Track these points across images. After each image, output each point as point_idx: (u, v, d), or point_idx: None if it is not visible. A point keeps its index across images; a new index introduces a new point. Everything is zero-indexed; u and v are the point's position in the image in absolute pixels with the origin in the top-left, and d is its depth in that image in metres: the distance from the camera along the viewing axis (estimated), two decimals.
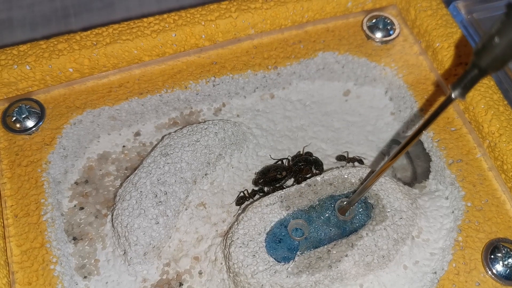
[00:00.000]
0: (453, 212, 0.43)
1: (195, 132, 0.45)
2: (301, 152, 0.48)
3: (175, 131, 0.46)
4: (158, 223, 0.41)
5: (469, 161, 0.45)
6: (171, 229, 0.43)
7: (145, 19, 0.49)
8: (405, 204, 0.42)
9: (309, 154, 0.48)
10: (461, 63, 0.48)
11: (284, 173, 0.45)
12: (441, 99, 0.48)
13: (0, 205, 0.41)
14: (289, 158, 0.48)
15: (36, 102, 0.46)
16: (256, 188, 0.46)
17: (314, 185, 0.43)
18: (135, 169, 0.45)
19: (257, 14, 0.50)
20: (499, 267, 0.40)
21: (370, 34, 0.52)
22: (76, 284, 0.41)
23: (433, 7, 0.51)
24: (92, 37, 0.47)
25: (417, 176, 0.47)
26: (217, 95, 0.50)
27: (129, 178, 0.43)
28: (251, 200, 0.45)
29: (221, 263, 0.42)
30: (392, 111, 0.51)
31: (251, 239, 0.40)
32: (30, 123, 0.45)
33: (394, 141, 0.49)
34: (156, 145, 0.46)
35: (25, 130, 0.45)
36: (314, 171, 0.46)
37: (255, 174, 0.47)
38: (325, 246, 0.40)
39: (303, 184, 0.43)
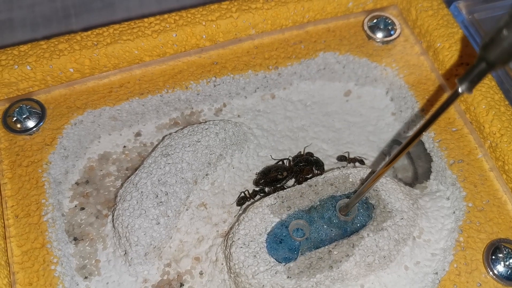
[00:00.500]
0: (454, 212, 0.43)
1: (196, 132, 0.45)
2: (302, 153, 0.48)
3: (176, 132, 0.46)
4: (159, 223, 0.41)
5: (470, 161, 0.45)
6: (172, 230, 0.43)
7: (146, 19, 0.49)
8: (406, 205, 0.42)
9: (310, 154, 0.48)
10: (462, 63, 0.48)
11: (285, 174, 0.45)
12: (443, 99, 0.48)
13: (1, 206, 0.41)
14: (290, 158, 0.47)
15: (37, 102, 0.46)
16: (257, 189, 0.46)
17: (315, 185, 0.43)
18: (135, 170, 0.45)
19: (258, 14, 0.50)
20: (500, 268, 0.40)
21: (371, 34, 0.52)
22: (77, 285, 0.41)
23: (434, 7, 0.51)
24: (92, 37, 0.47)
25: (418, 177, 0.47)
26: (218, 95, 0.50)
27: (130, 178, 0.43)
28: (252, 200, 0.45)
29: (222, 264, 0.41)
30: (393, 112, 0.51)
31: (252, 239, 0.40)
32: (30, 123, 0.45)
33: (395, 142, 0.49)
34: (157, 145, 0.46)
35: (26, 130, 0.45)
36: (315, 171, 0.46)
37: (256, 174, 0.47)
38: (326, 247, 0.40)
39: (304, 185, 0.43)
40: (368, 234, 0.40)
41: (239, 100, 0.51)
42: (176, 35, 0.48)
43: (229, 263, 0.40)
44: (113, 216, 0.42)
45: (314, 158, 0.47)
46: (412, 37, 0.52)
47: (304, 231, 0.40)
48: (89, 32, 0.48)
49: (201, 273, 0.42)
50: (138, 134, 0.49)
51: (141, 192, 0.42)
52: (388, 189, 0.42)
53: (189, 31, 0.49)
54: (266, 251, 0.39)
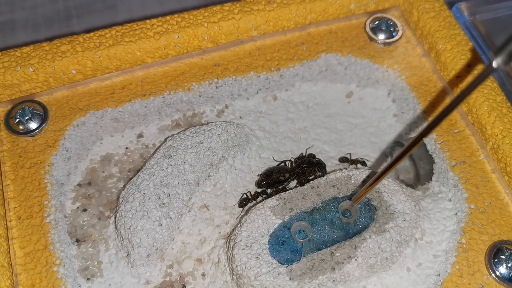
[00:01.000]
0: (456, 214, 0.43)
1: (198, 134, 0.45)
2: (304, 154, 0.48)
3: (178, 133, 0.46)
4: (161, 225, 0.41)
5: (472, 163, 0.45)
6: (174, 231, 0.43)
7: (148, 21, 0.49)
8: (408, 206, 0.42)
9: (312, 156, 0.48)
10: (464, 65, 0.48)
11: (287, 175, 0.45)
12: (445, 100, 0.48)
13: (4, 207, 0.41)
14: (292, 160, 0.48)
15: (39, 104, 0.46)
16: (259, 190, 0.46)
17: (317, 187, 0.43)
18: (138, 171, 0.45)
19: (260, 16, 0.50)
20: (502, 270, 0.40)
21: (373, 36, 0.52)
22: (79, 286, 0.41)
23: (436, 9, 0.51)
24: (95, 39, 0.47)
25: (420, 178, 0.47)
26: (220, 97, 0.50)
27: (132, 180, 0.43)
28: (254, 202, 0.45)
29: (224, 265, 0.42)
30: (395, 113, 0.51)
31: (254, 241, 0.40)
32: (33, 125, 0.45)
33: (397, 143, 0.49)
34: (159, 147, 0.46)
35: (28, 132, 0.45)
36: (317, 173, 0.46)
37: (258, 176, 0.47)
38: (328, 248, 0.40)
39: (306, 186, 0.43)
40: (370, 236, 0.40)
41: (241, 101, 0.51)
42: (178, 37, 0.48)
43: (232, 265, 0.40)
44: (115, 217, 0.43)
45: (316, 159, 0.47)
46: (414, 39, 0.52)
47: (306, 233, 0.41)
48: (92, 34, 0.48)
49: (203, 275, 0.42)
50: (140, 136, 0.49)
51: (144, 193, 0.42)
52: (390, 191, 0.42)
53: (191, 33, 0.49)
54: (268, 253, 0.39)
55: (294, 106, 0.51)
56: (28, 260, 0.40)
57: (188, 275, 0.42)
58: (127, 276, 0.42)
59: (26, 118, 0.45)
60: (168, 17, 0.49)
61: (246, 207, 0.45)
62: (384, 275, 0.40)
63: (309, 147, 0.49)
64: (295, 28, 0.52)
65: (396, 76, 0.51)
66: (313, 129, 0.50)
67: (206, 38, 0.49)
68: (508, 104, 0.45)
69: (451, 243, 0.42)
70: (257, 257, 0.39)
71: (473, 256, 0.41)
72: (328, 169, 0.47)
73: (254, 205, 0.43)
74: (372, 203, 0.42)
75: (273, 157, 0.48)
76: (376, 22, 0.52)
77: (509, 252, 0.40)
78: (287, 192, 0.43)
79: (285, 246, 0.40)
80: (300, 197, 0.42)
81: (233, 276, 0.40)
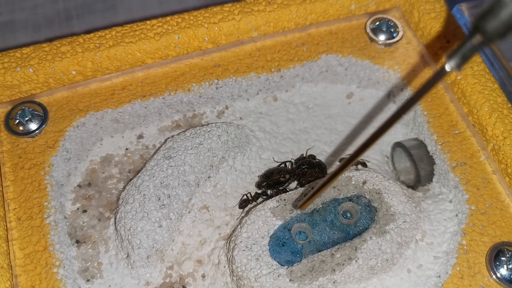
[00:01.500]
0: (457, 215, 0.43)
1: (198, 135, 0.45)
2: (304, 155, 0.48)
3: (178, 134, 0.46)
4: (161, 226, 0.41)
5: (473, 164, 0.45)
6: (174, 232, 0.43)
7: (148, 22, 0.49)
8: (409, 208, 0.42)
9: (312, 157, 0.47)
10: (465, 66, 0.48)
11: (287, 176, 0.45)
12: (446, 101, 0.48)
13: (3, 208, 0.41)
14: (292, 161, 0.47)
15: (39, 104, 0.46)
16: (260, 191, 0.46)
17: None
18: (138, 172, 0.45)
19: (260, 16, 0.50)
20: (503, 271, 0.40)
21: (373, 37, 0.52)
22: (79, 287, 0.41)
23: (436, 10, 0.51)
24: (95, 40, 0.47)
25: (421, 179, 0.47)
26: (220, 98, 0.50)
27: (132, 181, 0.43)
28: (254, 203, 0.45)
29: (224, 267, 0.41)
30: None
31: (254, 242, 0.40)
32: (33, 126, 0.45)
33: (397, 144, 0.49)
34: (159, 148, 0.46)
35: (28, 133, 0.45)
36: (318, 174, 0.46)
37: (258, 177, 0.47)
38: (329, 250, 0.40)
39: (306, 187, 0.43)
40: (370, 237, 0.40)
41: (242, 102, 0.51)
42: (178, 38, 0.48)
43: (232, 266, 0.40)
44: (115, 218, 0.42)
45: (317, 160, 0.47)
46: (415, 40, 0.52)
47: (306, 234, 0.40)
48: (92, 35, 0.48)
49: (203, 276, 0.42)
50: (140, 137, 0.49)
51: (144, 194, 0.42)
52: (391, 192, 0.42)
53: (192, 34, 0.49)
54: (268, 254, 0.39)
55: (295, 107, 0.51)
56: (28, 262, 0.39)
57: (188, 276, 0.42)
58: (127, 277, 0.42)
59: (26, 119, 0.45)
60: (168, 18, 0.49)
61: (246, 208, 0.45)
62: (385, 276, 0.40)
63: (309, 148, 0.49)
64: (295, 29, 0.52)
65: (397, 77, 0.50)
66: (313, 130, 0.50)
67: (207, 39, 0.49)
68: (509, 105, 0.45)
69: (452, 245, 0.42)
70: (258, 259, 0.39)
71: (474, 258, 0.41)
72: (328, 170, 0.47)
73: (254, 206, 0.43)
74: (372, 204, 0.42)
75: (273, 158, 0.48)
76: (377, 23, 0.52)
77: (510, 253, 0.40)
78: (287, 193, 0.43)
79: (286, 248, 0.40)
80: (301, 198, 0.42)
81: (233, 278, 0.40)
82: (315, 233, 0.41)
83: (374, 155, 0.49)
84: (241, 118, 0.50)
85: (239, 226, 0.41)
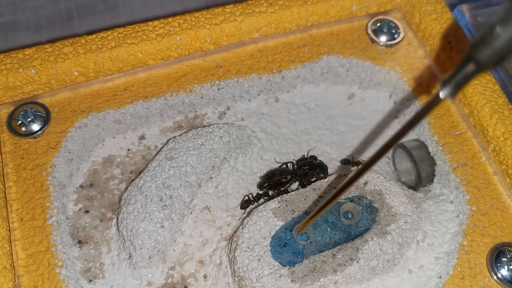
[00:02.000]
0: (458, 216, 0.43)
1: (200, 135, 0.45)
2: (306, 156, 0.48)
3: (180, 135, 0.46)
4: (163, 226, 0.41)
5: (474, 165, 0.45)
6: (176, 233, 0.43)
7: (150, 23, 0.49)
8: (410, 208, 0.42)
9: (313, 157, 0.48)
10: None
11: (289, 177, 0.45)
12: (447, 102, 0.48)
13: (6, 209, 0.41)
14: (294, 162, 0.48)
15: (42, 105, 0.46)
16: (261, 192, 0.46)
17: (319, 189, 0.43)
18: (140, 173, 0.45)
19: (261, 18, 0.50)
20: (504, 272, 0.40)
21: (374, 38, 0.52)
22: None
23: (437, 11, 0.51)
24: (97, 41, 0.48)
25: (422, 180, 0.47)
26: (221, 99, 0.50)
27: (134, 181, 0.44)
28: (256, 203, 0.45)
29: (226, 267, 0.42)
30: (396, 115, 0.51)
31: (256, 243, 0.40)
32: (35, 127, 0.45)
33: (398, 145, 0.49)
34: (161, 148, 0.46)
35: (31, 133, 0.45)
36: (319, 175, 0.46)
37: (260, 177, 0.47)
38: (330, 250, 0.40)
39: (307, 188, 0.43)
40: (372, 238, 0.40)
41: (243, 103, 0.51)
42: (180, 39, 0.48)
43: (233, 267, 0.40)
44: (117, 219, 0.43)
45: (318, 161, 0.47)
46: (416, 41, 0.52)
47: (308, 235, 0.41)
48: (94, 36, 0.48)
49: (205, 276, 0.42)
50: (142, 137, 0.49)
51: (146, 195, 0.42)
52: (392, 193, 0.42)
53: (193, 35, 0.49)
54: (270, 255, 0.39)
55: (296, 108, 0.52)
56: (31, 262, 0.40)
57: (190, 277, 0.42)
58: (129, 278, 0.42)
59: (29, 120, 0.45)
60: (170, 19, 0.49)
61: (248, 209, 0.45)
62: (386, 277, 0.40)
63: (310, 149, 0.49)
64: (296, 30, 0.52)
65: (398, 78, 0.51)
66: (314, 131, 0.50)
67: (208, 40, 0.49)
68: (510, 106, 0.45)
69: (453, 245, 0.42)
70: (259, 259, 0.39)
71: (475, 258, 0.41)
72: (329, 171, 0.47)
73: (256, 207, 0.44)
74: (373, 205, 0.42)
75: (274, 159, 0.48)
76: (378, 24, 0.52)
77: (510, 254, 0.40)
78: (288, 194, 0.43)
79: (287, 248, 0.40)
80: (302, 199, 0.42)
81: (235, 278, 0.40)
82: (316, 234, 0.41)
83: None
84: (242, 119, 0.50)
85: (240, 227, 0.41)
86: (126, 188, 0.45)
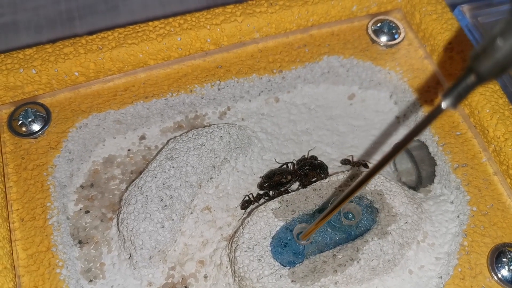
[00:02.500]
0: (458, 216, 0.43)
1: (200, 136, 0.45)
2: (306, 156, 0.48)
3: (180, 135, 0.46)
4: (163, 227, 0.41)
5: (474, 165, 0.45)
6: (177, 233, 0.43)
7: (150, 23, 0.49)
8: (410, 209, 0.42)
9: (314, 158, 0.48)
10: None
11: (289, 177, 0.45)
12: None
13: (7, 209, 0.41)
14: (294, 162, 0.48)
15: (42, 105, 0.46)
16: (261, 192, 0.46)
17: (319, 189, 0.43)
18: (140, 173, 0.45)
19: (262, 18, 0.50)
20: (504, 272, 0.40)
21: (375, 38, 0.52)
22: None
23: (438, 11, 0.51)
24: (97, 41, 0.48)
25: (422, 180, 0.47)
26: (222, 99, 0.50)
27: (135, 182, 0.44)
28: (256, 204, 0.45)
29: (227, 267, 0.42)
30: (397, 115, 0.51)
31: (256, 243, 0.40)
32: (36, 127, 0.45)
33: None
34: (162, 148, 0.46)
35: (31, 133, 0.45)
36: (320, 175, 0.46)
37: (260, 178, 0.47)
38: (331, 251, 0.40)
39: (308, 188, 0.43)
40: (372, 238, 0.40)
41: (243, 103, 0.51)
42: (180, 39, 0.48)
43: (234, 267, 0.40)
44: (118, 219, 0.43)
45: (318, 161, 0.47)
46: (416, 41, 0.52)
47: None
48: (94, 36, 0.48)
49: (205, 277, 0.42)
50: (142, 138, 0.49)
51: (146, 195, 0.42)
52: (392, 193, 0.42)
53: (194, 35, 0.49)
54: (270, 255, 0.39)
55: (296, 108, 0.52)
56: (31, 262, 0.40)
57: (190, 277, 0.42)
58: (129, 278, 0.42)
59: (29, 120, 0.45)
60: (170, 19, 0.49)
61: (248, 209, 0.45)
62: (386, 277, 0.40)
63: (311, 149, 0.49)
64: (297, 30, 0.52)
65: (398, 78, 0.51)
66: (315, 131, 0.50)
67: (209, 40, 0.49)
68: (511, 106, 0.45)
69: (453, 246, 0.42)
70: (259, 259, 0.39)
71: (475, 259, 0.41)
72: (330, 171, 0.47)
73: (256, 207, 0.44)
74: (374, 205, 0.42)
75: (275, 159, 0.48)
76: (378, 25, 0.52)
77: (511, 254, 0.40)
78: (289, 194, 0.43)
79: (288, 248, 0.40)
80: (302, 199, 0.42)
81: (235, 278, 0.40)
82: (317, 234, 0.41)
83: (376, 156, 0.49)
84: (243, 119, 0.50)
85: (241, 227, 0.41)
86: (127, 188, 0.45)
